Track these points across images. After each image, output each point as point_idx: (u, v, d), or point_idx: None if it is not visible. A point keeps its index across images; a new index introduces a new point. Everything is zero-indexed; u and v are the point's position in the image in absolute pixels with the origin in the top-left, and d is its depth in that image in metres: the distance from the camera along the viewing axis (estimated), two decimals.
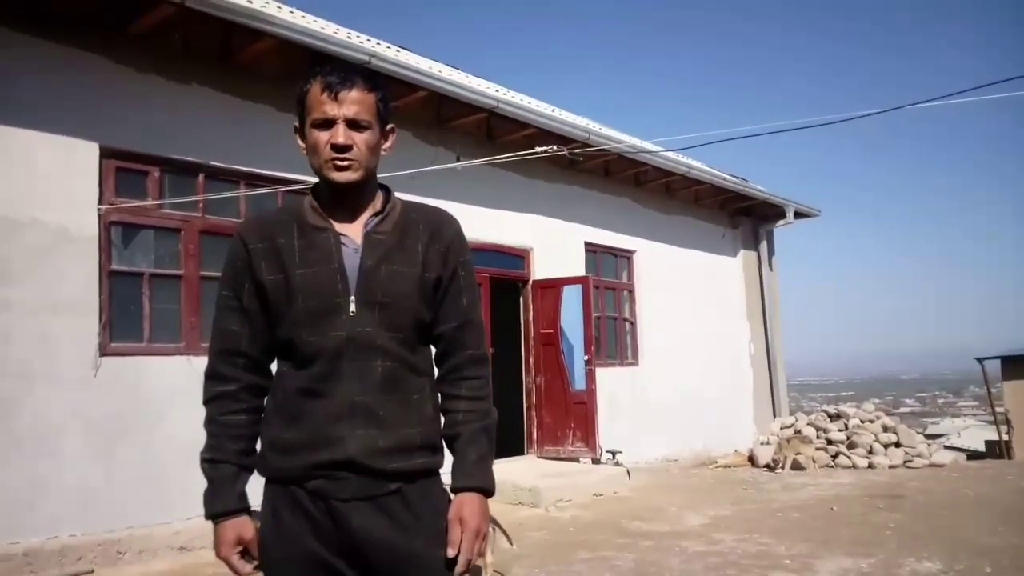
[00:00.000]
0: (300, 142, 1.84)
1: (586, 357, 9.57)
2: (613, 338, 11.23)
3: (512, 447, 9.82)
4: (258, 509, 1.79)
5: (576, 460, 9.54)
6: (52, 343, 5.73)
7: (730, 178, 12.71)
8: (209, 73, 6.79)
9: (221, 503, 1.76)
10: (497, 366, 9.68)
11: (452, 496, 1.80)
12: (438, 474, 1.83)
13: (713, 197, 12.84)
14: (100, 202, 6.10)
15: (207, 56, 6.75)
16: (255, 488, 1.82)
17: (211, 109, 6.80)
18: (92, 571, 5.60)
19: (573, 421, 9.60)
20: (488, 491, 1.81)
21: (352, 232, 1.79)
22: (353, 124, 1.75)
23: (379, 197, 1.86)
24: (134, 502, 5.96)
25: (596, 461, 9.56)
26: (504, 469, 8.80)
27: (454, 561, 1.73)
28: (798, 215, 13.93)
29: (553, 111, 10.32)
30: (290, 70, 7.03)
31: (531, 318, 9.97)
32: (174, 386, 6.17)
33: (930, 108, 7.02)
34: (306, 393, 1.73)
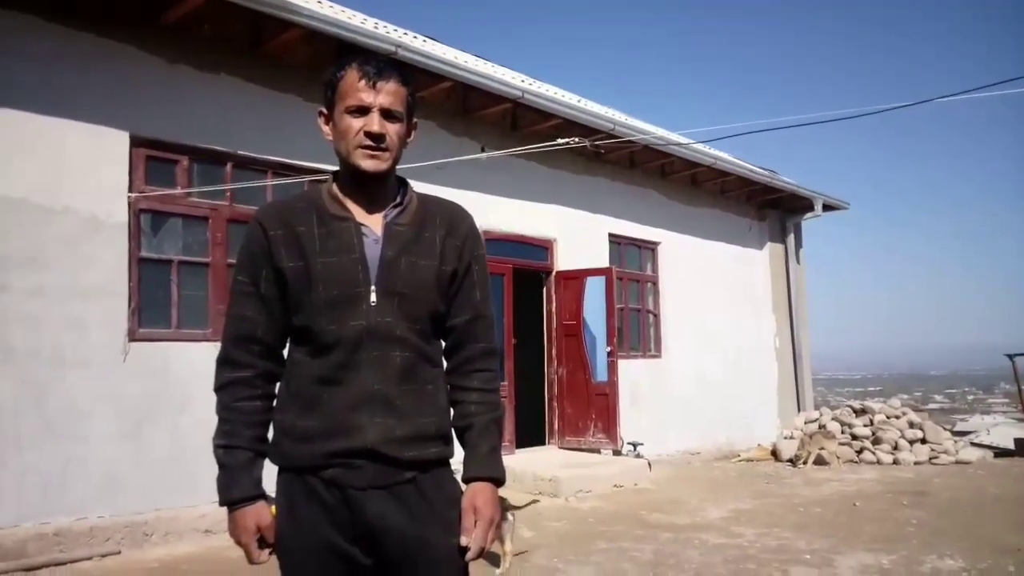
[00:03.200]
0: (324, 126, 1.85)
1: (608, 349, 9.57)
2: (636, 330, 11.21)
3: (533, 437, 9.86)
4: (273, 495, 1.80)
5: (597, 451, 9.56)
6: (82, 328, 5.84)
7: (758, 170, 12.59)
8: (238, 63, 6.86)
9: (239, 489, 1.76)
10: (519, 357, 9.80)
11: (463, 486, 1.82)
12: (449, 464, 1.85)
13: (740, 189, 12.74)
14: (130, 190, 6.19)
15: (236, 46, 6.82)
16: (266, 476, 1.84)
17: (240, 98, 6.87)
18: (119, 552, 5.72)
19: (595, 412, 9.61)
20: (500, 481, 1.83)
21: (372, 222, 1.81)
22: (387, 114, 1.77)
23: (397, 189, 1.88)
24: (161, 485, 6.08)
25: (617, 453, 9.57)
26: (525, 459, 8.84)
27: (467, 549, 1.75)
28: (826, 208, 13.77)
29: (579, 101, 10.29)
30: (318, 60, 7.09)
31: (554, 309, 9.98)
32: (201, 372, 6.25)
33: (966, 104, 6.92)
34: (323, 381, 1.74)
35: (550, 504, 7.56)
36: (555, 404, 9.97)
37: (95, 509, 5.76)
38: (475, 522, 1.76)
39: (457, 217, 1.90)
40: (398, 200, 1.85)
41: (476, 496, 1.79)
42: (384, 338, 1.74)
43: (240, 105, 6.87)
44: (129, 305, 6.10)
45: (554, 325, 10.01)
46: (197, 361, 6.31)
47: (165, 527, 6.04)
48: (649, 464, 9.09)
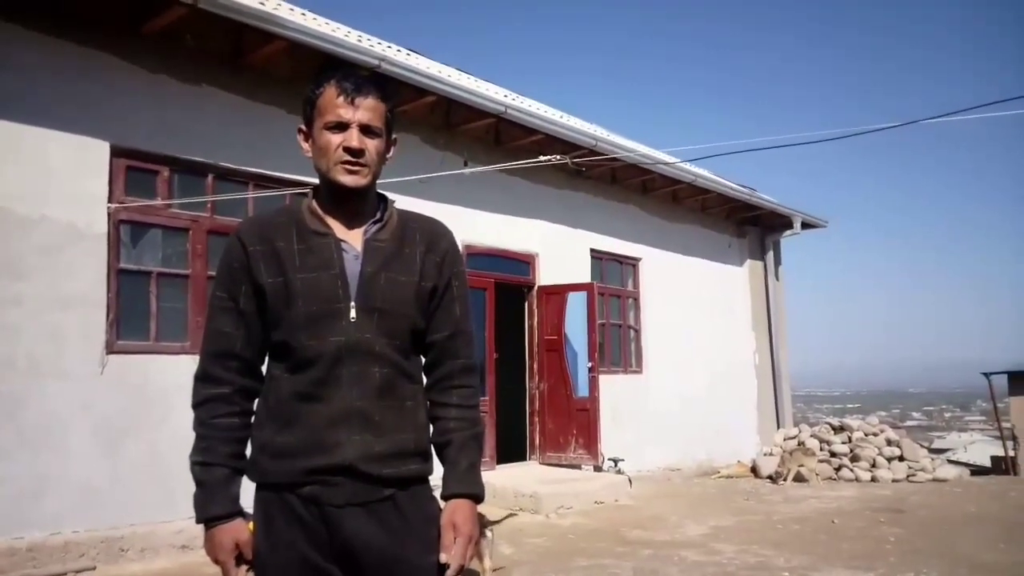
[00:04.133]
0: (303, 143, 1.85)
1: (590, 364, 9.58)
2: (617, 346, 11.24)
3: (514, 453, 9.84)
4: (250, 511, 1.78)
5: (578, 467, 9.55)
6: (60, 340, 5.78)
7: (737, 187, 12.71)
8: (220, 74, 6.84)
9: (217, 506, 1.74)
10: (500, 371, 9.79)
11: (442, 502, 1.81)
12: (428, 481, 1.84)
13: (720, 206, 12.85)
14: (110, 200, 6.14)
15: (218, 57, 6.80)
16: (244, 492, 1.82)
17: (222, 110, 6.84)
18: (94, 568, 5.64)
19: (576, 428, 9.61)
20: (480, 498, 1.83)
21: (352, 238, 1.80)
22: (366, 130, 1.77)
23: (377, 204, 1.87)
24: (137, 499, 6.00)
25: (598, 469, 9.56)
26: (505, 475, 8.82)
27: (447, 566, 1.74)
28: (805, 225, 13.92)
29: (561, 117, 10.35)
30: (300, 72, 7.09)
31: (535, 324, 9.98)
32: (179, 385, 6.19)
33: (936, 123, 7.01)
34: (302, 397, 1.72)
35: (530, 520, 7.53)
36: (536, 419, 9.95)
37: (70, 524, 5.67)
38: (454, 539, 1.75)
39: (437, 233, 1.90)
40: (378, 216, 1.85)
41: (455, 513, 1.78)
42: (363, 354, 1.73)
43: (222, 117, 6.84)
44: (107, 317, 6.04)
45: (536, 340, 10.01)
46: (176, 374, 6.24)
47: (141, 542, 5.96)
48: (630, 480, 9.08)
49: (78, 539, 5.67)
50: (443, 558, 1.74)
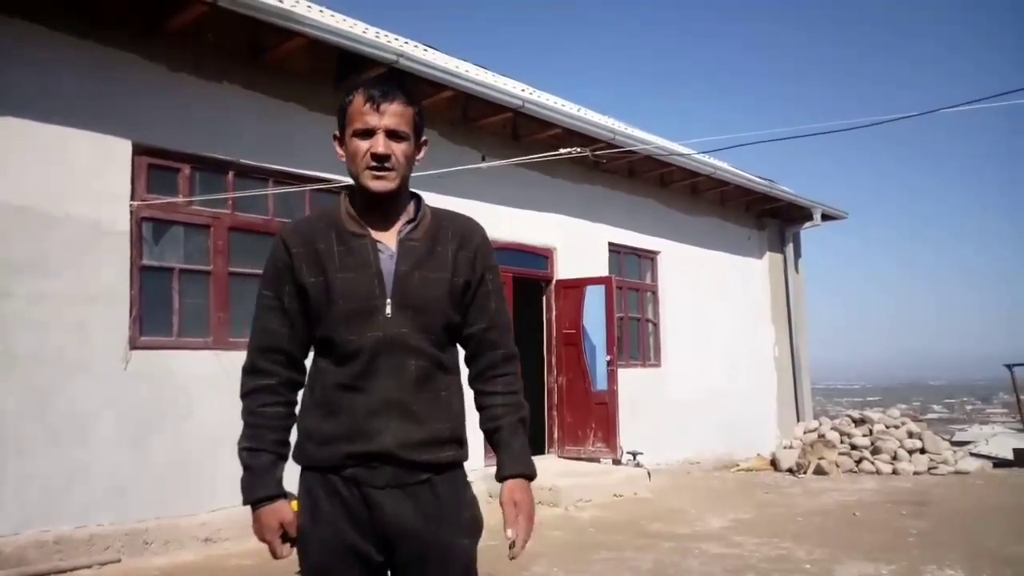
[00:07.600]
0: (339, 150, 1.95)
1: (608, 358, 9.58)
2: (636, 339, 11.23)
3: (533, 446, 9.76)
4: (294, 492, 1.90)
5: (597, 460, 9.55)
6: (85, 336, 5.84)
7: (757, 179, 12.63)
8: (240, 71, 6.88)
9: (263, 489, 1.87)
10: (519, 365, 9.78)
11: (500, 483, 1.92)
12: (463, 467, 1.95)
13: (739, 198, 12.78)
14: (132, 198, 6.20)
15: (238, 55, 6.84)
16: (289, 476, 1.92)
17: (241, 107, 6.89)
18: (119, 560, 5.71)
19: (594, 421, 9.62)
20: (533, 476, 1.95)
21: (387, 239, 1.91)
22: (392, 135, 1.87)
23: (411, 204, 1.97)
24: (162, 493, 6.07)
25: (617, 462, 9.56)
26: None
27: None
28: (825, 217, 13.82)
29: (579, 111, 10.33)
30: (319, 69, 7.13)
31: (554, 318, 9.99)
32: (202, 380, 6.27)
33: (963, 113, 6.95)
34: (345, 388, 1.84)
35: (550, 513, 7.55)
36: (555, 413, 9.97)
37: (96, 517, 5.75)
38: (516, 516, 1.88)
39: (469, 230, 2.01)
40: (412, 216, 1.95)
41: (514, 492, 1.90)
42: (400, 348, 1.85)
43: (242, 114, 6.88)
44: (131, 313, 6.11)
45: (554, 334, 10.02)
46: (198, 370, 6.31)
47: (165, 535, 6.03)
48: (649, 473, 9.09)
49: (103, 532, 5.75)
50: (509, 534, 1.86)
